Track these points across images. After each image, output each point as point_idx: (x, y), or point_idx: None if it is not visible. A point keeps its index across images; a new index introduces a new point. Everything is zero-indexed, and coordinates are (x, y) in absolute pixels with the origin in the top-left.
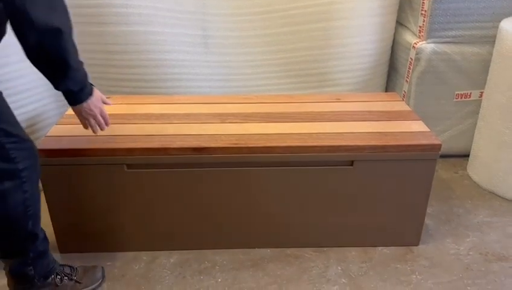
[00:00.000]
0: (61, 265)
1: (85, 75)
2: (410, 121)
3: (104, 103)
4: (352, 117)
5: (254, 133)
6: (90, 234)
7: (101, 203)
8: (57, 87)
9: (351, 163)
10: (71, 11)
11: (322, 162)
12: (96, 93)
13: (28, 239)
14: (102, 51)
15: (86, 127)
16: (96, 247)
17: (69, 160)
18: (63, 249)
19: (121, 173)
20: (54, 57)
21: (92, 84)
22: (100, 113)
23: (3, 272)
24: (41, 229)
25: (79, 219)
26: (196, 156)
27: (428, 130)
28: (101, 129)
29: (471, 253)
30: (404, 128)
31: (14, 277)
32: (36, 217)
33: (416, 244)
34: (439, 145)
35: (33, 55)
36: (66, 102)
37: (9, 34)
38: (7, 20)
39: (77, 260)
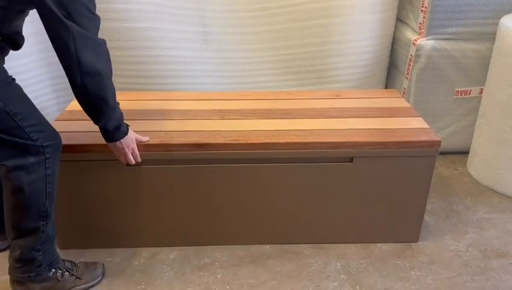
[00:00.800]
0: (62, 260)
1: (121, 115)
2: (410, 118)
3: (140, 141)
4: (352, 114)
5: (254, 129)
6: (90, 230)
7: (100, 199)
8: (96, 123)
9: (351, 159)
10: None
11: (322, 158)
12: (131, 134)
13: (44, 217)
14: None
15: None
16: (96, 243)
17: (68, 156)
18: (63, 245)
19: (121, 170)
20: (95, 94)
21: (127, 125)
22: (132, 153)
23: (5, 271)
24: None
25: (79, 215)
26: (196, 152)
27: (428, 126)
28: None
29: (470, 249)
30: (403, 124)
31: (22, 262)
32: (53, 197)
33: (416, 241)
34: (439, 142)
35: (79, 92)
36: (66, 98)
37: None
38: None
39: (77, 256)
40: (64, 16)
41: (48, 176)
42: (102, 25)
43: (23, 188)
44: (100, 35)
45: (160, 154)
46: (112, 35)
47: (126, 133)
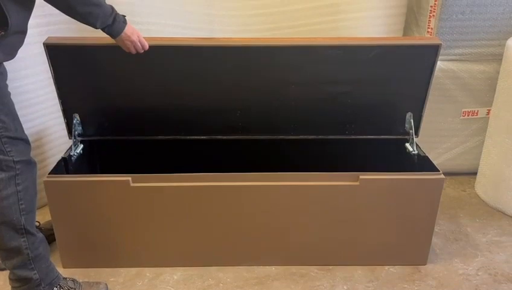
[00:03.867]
0: (64, 278)
1: (111, 7)
2: None
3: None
4: None
5: None
6: (94, 249)
7: (105, 218)
8: (95, 27)
9: (357, 179)
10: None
11: (328, 177)
12: (129, 23)
13: (23, 235)
14: None
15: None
16: (99, 262)
17: (73, 175)
18: (66, 263)
19: (126, 189)
20: (84, 8)
21: (123, 15)
22: (138, 40)
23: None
24: (38, 230)
25: (82, 234)
26: (201, 38)
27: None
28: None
29: (479, 273)
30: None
31: (20, 282)
32: (30, 214)
33: (424, 264)
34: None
35: (69, 14)
36: None
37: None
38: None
39: (80, 276)
40: None
41: (19, 192)
42: None
43: None
44: None
45: (166, 40)
46: None
47: (125, 22)
